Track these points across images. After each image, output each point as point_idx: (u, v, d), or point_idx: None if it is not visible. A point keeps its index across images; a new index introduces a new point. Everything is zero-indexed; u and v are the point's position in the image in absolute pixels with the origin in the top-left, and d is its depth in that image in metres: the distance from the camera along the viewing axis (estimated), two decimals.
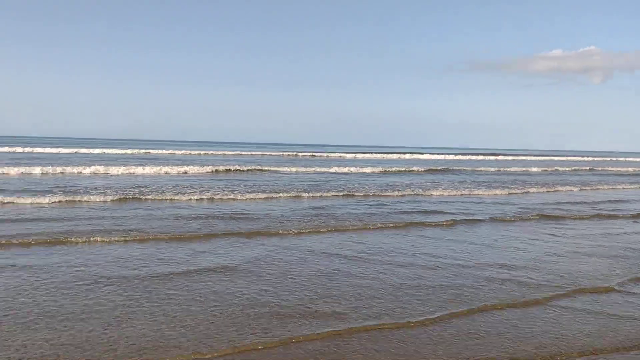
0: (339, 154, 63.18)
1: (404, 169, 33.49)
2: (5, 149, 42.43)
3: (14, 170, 20.51)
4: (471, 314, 5.28)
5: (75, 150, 46.15)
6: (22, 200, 12.21)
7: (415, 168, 34.31)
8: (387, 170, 31.59)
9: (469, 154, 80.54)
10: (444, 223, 11.36)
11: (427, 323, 4.97)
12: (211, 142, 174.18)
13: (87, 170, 22.14)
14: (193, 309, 5.13)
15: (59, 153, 41.62)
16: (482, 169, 38.07)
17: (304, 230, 9.77)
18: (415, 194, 17.69)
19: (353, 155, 63.23)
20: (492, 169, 37.87)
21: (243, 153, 56.61)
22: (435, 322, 5.00)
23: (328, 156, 58.46)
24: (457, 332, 4.79)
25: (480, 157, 70.28)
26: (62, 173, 21.23)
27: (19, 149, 42.72)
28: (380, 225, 10.68)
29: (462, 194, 18.40)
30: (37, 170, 21.03)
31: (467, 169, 37.49)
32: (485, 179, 27.42)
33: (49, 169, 21.43)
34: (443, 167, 36.79)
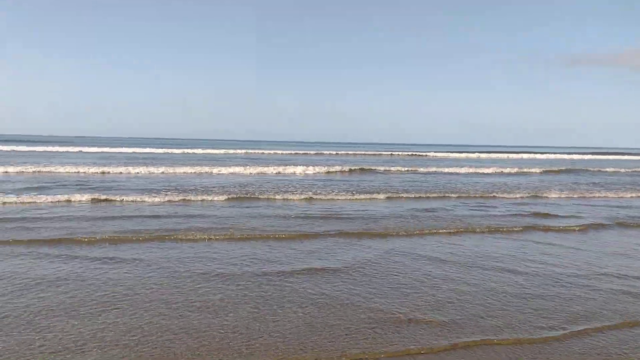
0: (444, 153, 61.55)
1: (515, 169, 31.71)
2: (124, 149, 47.30)
3: (134, 170, 22.90)
4: (605, 330, 4.89)
5: (183, 150, 50.03)
6: (144, 199, 13.51)
7: (533, 170, 32.37)
8: (502, 171, 30.20)
9: (589, 153, 74.49)
10: (559, 227, 10.63)
11: (561, 339, 4.67)
12: (309, 142, 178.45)
13: (194, 170, 23.93)
14: (295, 310, 5.32)
15: (166, 153, 45.40)
16: (609, 169, 34.90)
17: (405, 232, 9.68)
18: (527, 195, 16.72)
19: (461, 154, 61.29)
20: (620, 170, 34.55)
21: (344, 153, 57.34)
22: (566, 339, 4.69)
23: (434, 155, 57.24)
24: (595, 350, 4.46)
25: (603, 157, 64.58)
26: (174, 173, 23.16)
27: (138, 150, 47.38)
28: (484, 229, 10.25)
29: (582, 196, 17.02)
30: (153, 169, 23.29)
31: (591, 169, 34.59)
32: (611, 179, 25.09)
33: (164, 169, 23.57)
34: (562, 168, 34.24)
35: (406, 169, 29.82)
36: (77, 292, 5.62)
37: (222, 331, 4.65)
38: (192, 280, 6.24)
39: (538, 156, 62.76)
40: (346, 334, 4.66)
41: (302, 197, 14.78)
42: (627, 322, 5.13)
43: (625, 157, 67.44)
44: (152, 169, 23.46)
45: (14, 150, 40.96)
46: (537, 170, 31.85)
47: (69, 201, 12.75)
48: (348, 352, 4.28)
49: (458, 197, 16.01)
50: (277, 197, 14.64)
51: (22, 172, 21.11)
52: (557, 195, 17.21)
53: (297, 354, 4.23)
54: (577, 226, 10.90)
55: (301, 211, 12.03)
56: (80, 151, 43.71)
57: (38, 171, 21.45)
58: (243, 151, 53.78)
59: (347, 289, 6.02)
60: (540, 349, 4.46)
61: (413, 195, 15.91)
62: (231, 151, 53.08)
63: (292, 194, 15.23)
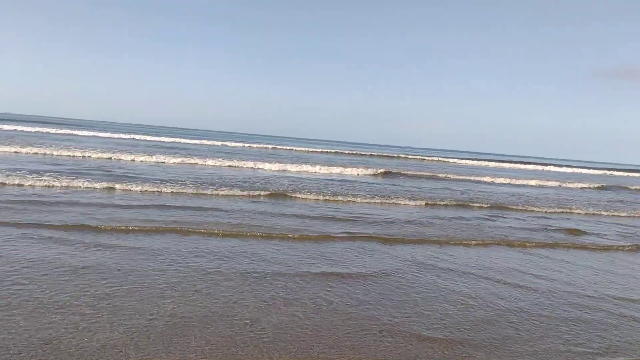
0: (464, 160, 60.92)
1: (552, 182, 31.19)
2: (143, 137, 47.90)
3: (153, 158, 23.15)
4: None
5: (200, 141, 50.39)
6: (161, 188, 13.60)
7: (557, 183, 31.79)
8: (541, 184, 29.78)
9: (621, 170, 73.15)
10: (588, 245, 10.36)
11: None
12: (317, 140, 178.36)
13: (211, 162, 24.08)
14: (299, 313, 5.26)
15: (185, 143, 45.81)
16: None
17: (427, 240, 9.53)
18: (557, 210, 16.38)
19: (480, 162, 60.68)
20: None
21: (367, 153, 57.13)
22: None
23: (454, 162, 56.68)
24: None
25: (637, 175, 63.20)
26: (198, 165, 23.33)
27: (157, 138, 47.95)
28: (514, 242, 10.03)
29: (614, 215, 16.59)
30: (174, 159, 23.53)
31: (630, 187, 33.84)
32: None
33: (184, 159, 23.81)
34: (596, 185, 33.52)
35: (427, 173, 29.52)
36: (83, 282, 5.64)
37: (231, 320, 4.62)
38: (200, 275, 6.21)
39: (572, 170, 61.70)
40: (354, 345, 4.56)
41: (325, 197, 14.66)
42: None
43: None
44: (173, 159, 23.66)
45: (39, 132, 41.78)
46: (563, 184, 31.28)
47: (89, 187, 12.87)
48: None
49: (488, 207, 15.75)
50: (299, 195, 14.57)
51: (45, 154, 21.47)
52: (585, 212, 16.81)
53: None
54: (599, 247, 10.61)
55: (322, 212, 11.94)
56: (96, 136, 44.35)
57: (59, 154, 21.78)
58: (259, 146, 53.90)
59: (358, 298, 5.90)
60: None
61: (437, 202, 15.70)
62: (250, 145, 53.28)
63: (311, 192, 15.14)
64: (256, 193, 14.24)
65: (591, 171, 64.58)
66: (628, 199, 24.10)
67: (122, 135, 47.31)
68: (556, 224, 13.29)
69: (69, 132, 45.39)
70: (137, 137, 47.82)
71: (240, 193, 13.97)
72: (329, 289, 6.09)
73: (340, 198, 14.75)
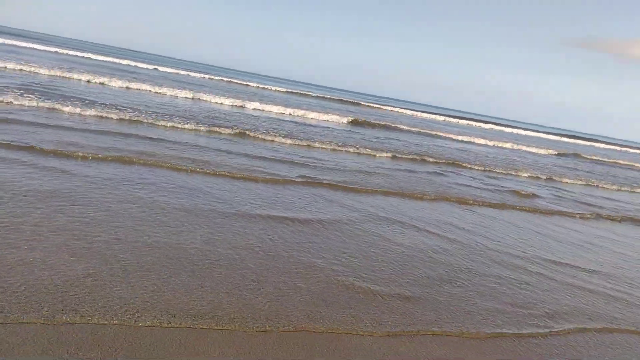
0: (427, 114, 61.58)
1: (508, 144, 32.14)
2: (89, 55, 45.51)
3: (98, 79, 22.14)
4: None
5: (155, 66, 48.47)
6: (111, 114, 13.16)
7: (508, 144, 32.80)
8: (497, 145, 30.51)
9: (570, 137, 76.17)
10: (520, 206, 10.94)
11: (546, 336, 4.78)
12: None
13: (164, 90, 23.33)
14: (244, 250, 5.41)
15: (145, 68, 43.98)
16: (625, 161, 35.65)
17: (380, 191, 9.78)
18: (499, 171, 17.06)
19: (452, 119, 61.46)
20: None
21: (329, 96, 56.60)
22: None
23: (415, 115, 57.19)
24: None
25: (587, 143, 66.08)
26: (146, 91, 22.54)
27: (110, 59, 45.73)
28: (469, 200, 10.46)
29: (564, 182, 17.47)
30: (123, 84, 22.59)
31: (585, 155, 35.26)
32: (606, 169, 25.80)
33: (145, 86, 22.90)
34: (551, 151, 34.79)
35: (391, 124, 29.76)
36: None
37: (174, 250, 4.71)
38: (148, 206, 6.20)
39: (531, 133, 63.57)
40: (282, 296, 4.76)
41: (285, 140, 14.53)
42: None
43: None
44: (127, 84, 22.70)
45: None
46: (519, 146, 32.38)
47: (33, 105, 12.28)
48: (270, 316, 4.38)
49: (443, 162, 16.18)
50: (257, 135, 14.43)
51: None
52: (532, 174, 17.59)
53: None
54: (540, 210, 11.23)
55: (279, 155, 11.93)
56: (44, 50, 41.84)
57: (3, 67, 20.52)
58: (217, 78, 52.38)
59: (303, 245, 6.01)
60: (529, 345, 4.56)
61: (396, 155, 15.97)
62: (211, 77, 51.71)
63: (269, 133, 15.05)
64: (212, 129, 14.00)
65: (551, 137, 66.76)
66: (570, 165, 25.38)
67: (74, 52, 44.86)
68: (501, 184, 13.87)
69: (13, 42, 42.55)
70: (91, 55, 45.45)
71: (195, 127, 13.70)
72: (274, 233, 6.18)
73: (299, 142, 14.72)
